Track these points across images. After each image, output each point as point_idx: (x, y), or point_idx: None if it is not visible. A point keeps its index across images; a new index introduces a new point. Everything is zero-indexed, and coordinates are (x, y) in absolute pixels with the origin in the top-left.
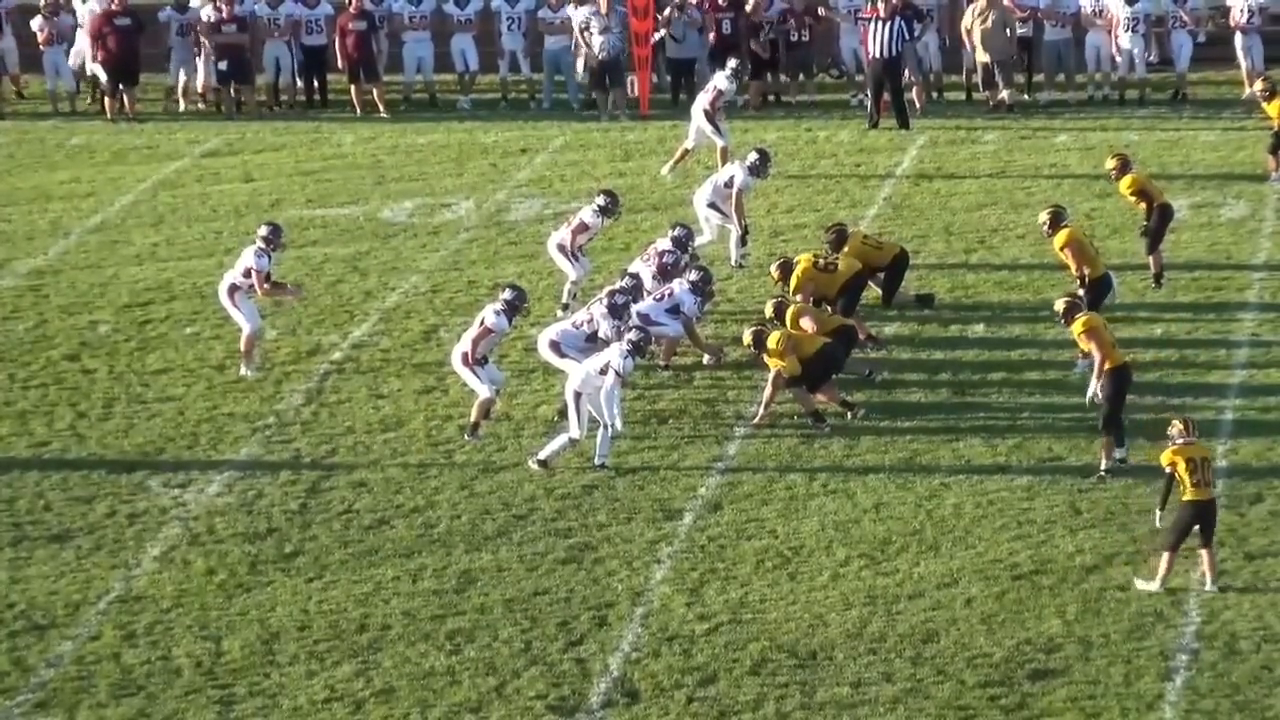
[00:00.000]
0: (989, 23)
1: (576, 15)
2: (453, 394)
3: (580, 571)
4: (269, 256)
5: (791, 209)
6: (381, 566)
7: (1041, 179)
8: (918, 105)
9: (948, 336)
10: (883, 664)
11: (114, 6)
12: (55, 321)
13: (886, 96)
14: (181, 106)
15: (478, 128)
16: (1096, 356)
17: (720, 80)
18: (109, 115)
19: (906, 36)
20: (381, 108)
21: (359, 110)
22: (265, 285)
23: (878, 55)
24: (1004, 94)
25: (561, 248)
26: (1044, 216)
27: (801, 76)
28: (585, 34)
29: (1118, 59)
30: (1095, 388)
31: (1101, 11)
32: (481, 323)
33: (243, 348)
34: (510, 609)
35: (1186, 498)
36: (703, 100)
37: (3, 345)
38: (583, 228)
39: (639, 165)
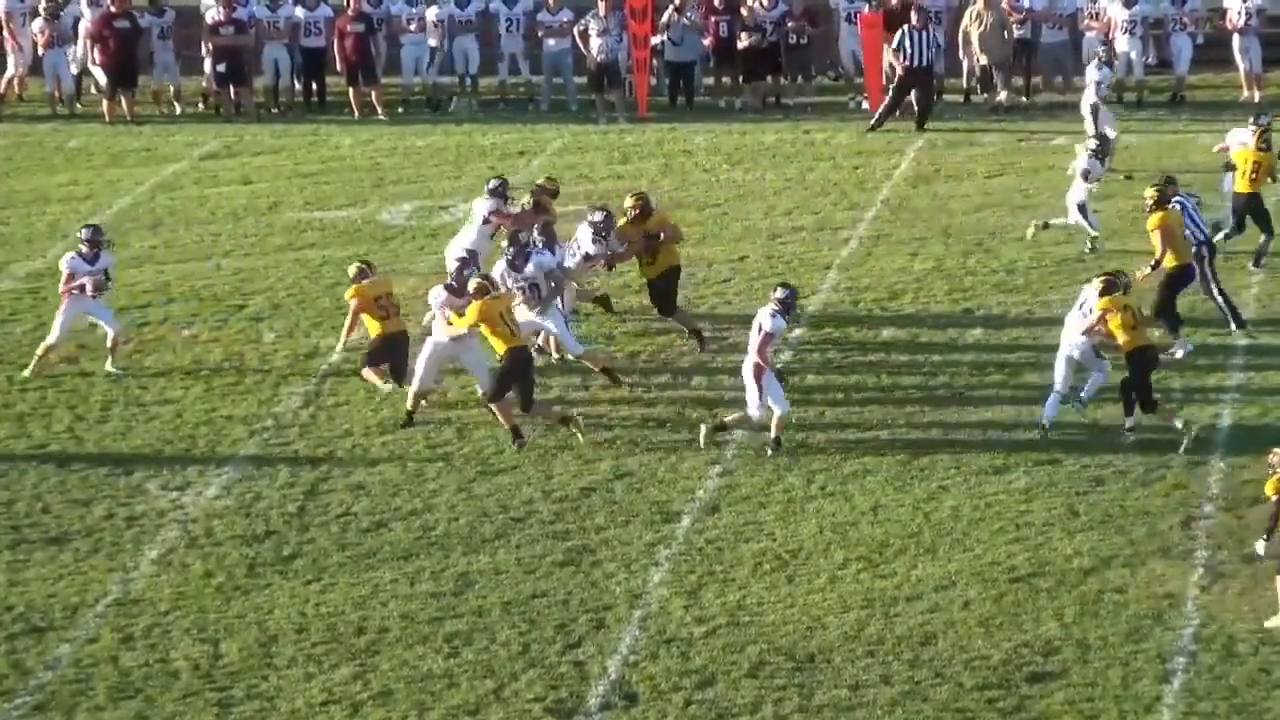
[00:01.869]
0: (987, 25)
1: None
2: (451, 396)
3: (578, 574)
4: (81, 259)
5: (790, 211)
6: (379, 569)
7: (1040, 181)
8: (915, 108)
9: (945, 339)
10: (880, 666)
11: (113, 9)
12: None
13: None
14: (178, 109)
15: (476, 130)
16: (1115, 337)
17: (1092, 71)
18: (108, 118)
19: (940, 44)
20: (380, 110)
21: (357, 113)
22: (67, 287)
23: (914, 64)
24: (1002, 96)
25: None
26: (1150, 192)
27: (800, 79)
28: (584, 36)
29: (1115, 61)
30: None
31: (1099, 14)
32: (759, 329)
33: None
34: (508, 611)
35: None
36: (1088, 95)
37: (1, 347)
38: (586, 258)
39: (636, 168)
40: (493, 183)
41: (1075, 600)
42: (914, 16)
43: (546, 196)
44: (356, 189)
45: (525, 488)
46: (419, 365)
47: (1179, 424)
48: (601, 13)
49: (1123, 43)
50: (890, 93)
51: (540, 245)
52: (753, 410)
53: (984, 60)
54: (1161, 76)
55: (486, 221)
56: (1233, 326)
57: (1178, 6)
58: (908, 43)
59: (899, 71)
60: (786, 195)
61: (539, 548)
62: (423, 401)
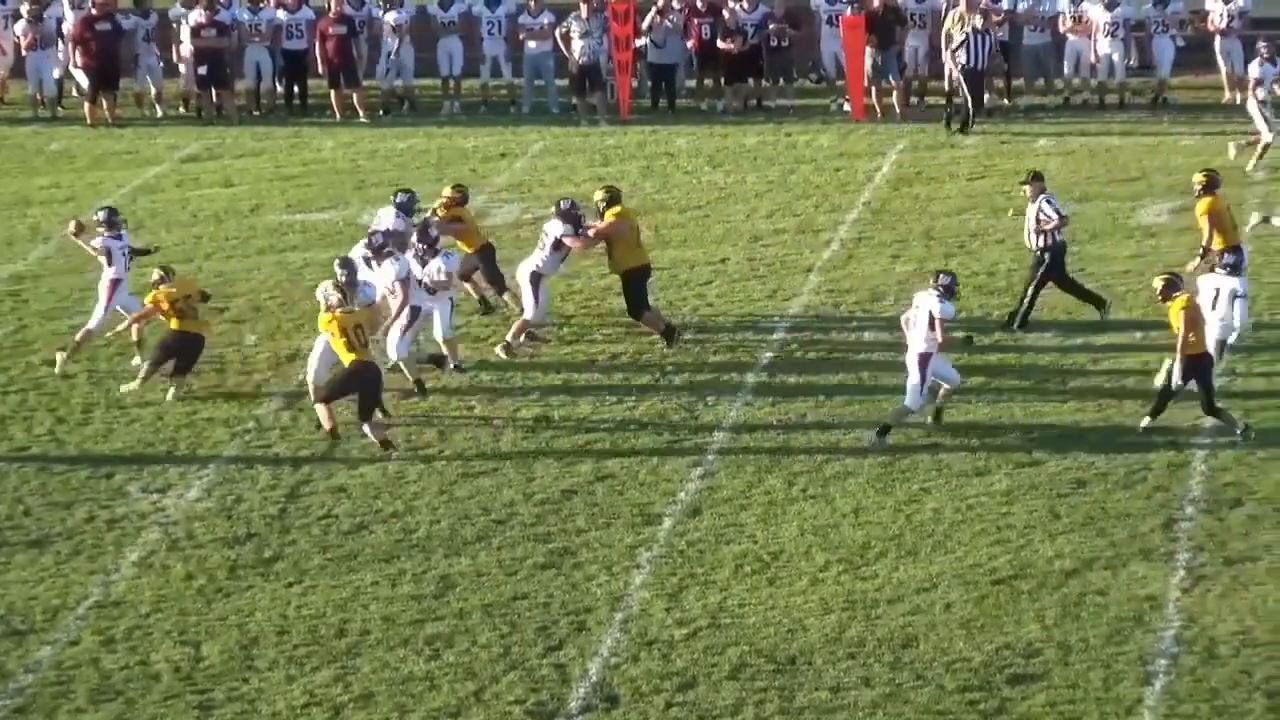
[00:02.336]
0: (969, 27)
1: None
2: (432, 400)
3: (559, 576)
4: (112, 239)
5: (771, 213)
6: (360, 571)
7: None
8: (898, 110)
9: None
10: (861, 669)
11: (93, 11)
12: (35, 327)
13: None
14: (159, 112)
15: (457, 132)
16: (1181, 337)
17: (1254, 68)
18: (89, 121)
19: (995, 49)
20: (361, 113)
21: (339, 115)
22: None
23: (976, 66)
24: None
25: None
26: (1199, 177)
27: (782, 81)
28: (565, 39)
29: (1097, 64)
30: (1173, 372)
31: (1081, 17)
32: (929, 316)
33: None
34: (489, 614)
35: None
36: (1253, 94)
37: None
38: (557, 245)
39: (618, 170)
40: (564, 204)
41: (1057, 602)
42: (978, 19)
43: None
44: (338, 191)
45: (506, 490)
46: (311, 362)
47: (1239, 421)
48: (583, 15)
49: (1104, 45)
50: (969, 93)
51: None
52: (911, 401)
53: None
54: (1143, 79)
55: (558, 247)
56: (1014, 326)
57: (1159, 9)
58: (971, 44)
59: (956, 72)
60: (768, 197)
61: (520, 550)
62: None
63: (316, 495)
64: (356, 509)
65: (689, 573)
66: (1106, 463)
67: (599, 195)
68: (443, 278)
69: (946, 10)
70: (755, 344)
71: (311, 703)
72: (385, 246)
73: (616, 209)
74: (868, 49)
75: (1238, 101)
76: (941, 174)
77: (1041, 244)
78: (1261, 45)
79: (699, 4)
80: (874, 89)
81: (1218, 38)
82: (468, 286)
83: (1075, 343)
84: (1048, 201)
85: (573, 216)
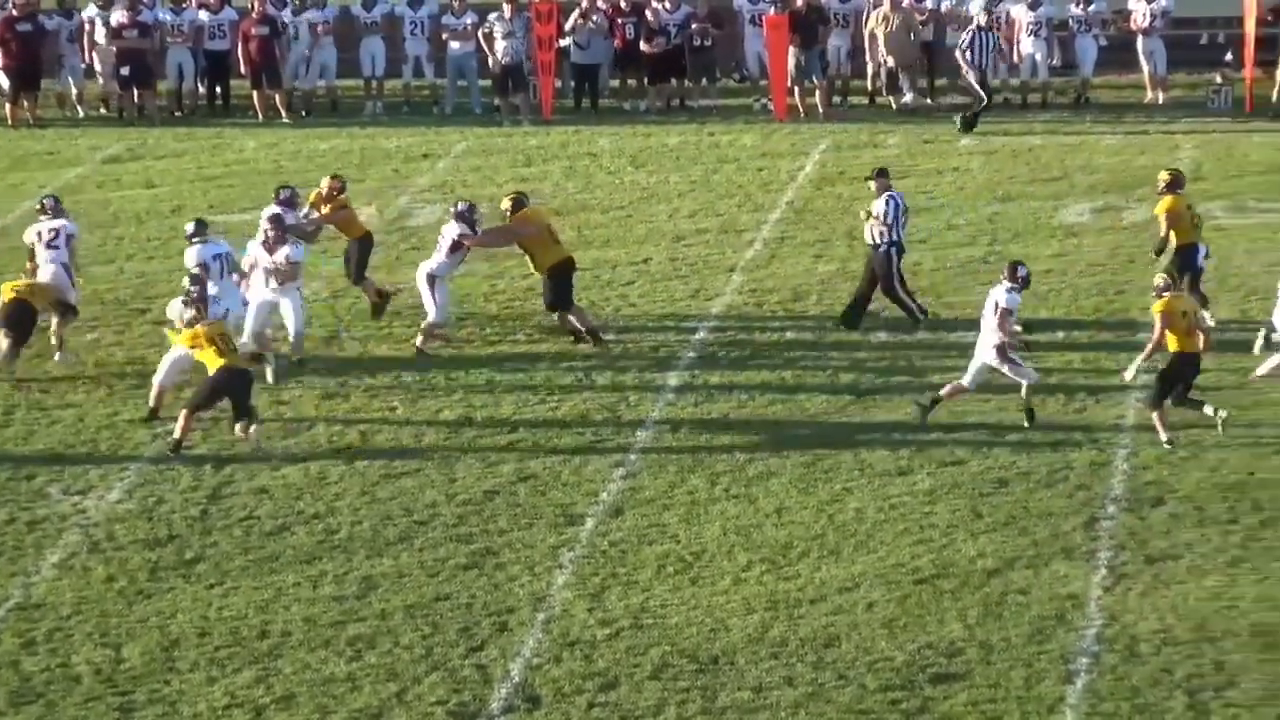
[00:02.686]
0: (893, 27)
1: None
2: (354, 400)
3: (481, 577)
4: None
5: (694, 213)
6: (282, 573)
7: (944, 183)
8: (820, 110)
9: (850, 341)
10: (784, 669)
11: (13, 11)
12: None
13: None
14: (81, 113)
15: (380, 133)
16: (1155, 336)
17: None
18: (10, 121)
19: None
20: (284, 113)
21: (261, 115)
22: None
23: (981, 64)
24: (907, 97)
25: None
26: (1164, 175)
27: (705, 81)
28: (488, 39)
29: (1020, 63)
30: (1136, 366)
31: (1002, 17)
32: (996, 307)
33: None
34: (411, 615)
35: None
36: None
37: None
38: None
39: (541, 170)
40: (461, 206)
41: (979, 601)
42: (983, 16)
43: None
44: (260, 192)
45: (429, 490)
46: (162, 364)
47: (1210, 411)
48: (506, 15)
49: (1027, 45)
50: (980, 92)
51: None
52: (967, 380)
53: (890, 62)
54: (1066, 79)
55: (455, 249)
56: (921, 320)
57: (1082, 8)
58: (977, 43)
59: (970, 71)
60: (691, 197)
61: (442, 551)
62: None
63: (238, 496)
64: (278, 510)
65: (611, 573)
66: (1028, 462)
67: (505, 204)
68: (287, 266)
69: (869, 10)
70: (678, 344)
71: (233, 704)
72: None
73: (522, 213)
74: (791, 49)
75: (1159, 101)
76: (864, 173)
77: (877, 240)
78: None
79: (622, 4)
80: (797, 89)
81: (1140, 37)
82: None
83: None
84: (890, 200)
85: (469, 219)
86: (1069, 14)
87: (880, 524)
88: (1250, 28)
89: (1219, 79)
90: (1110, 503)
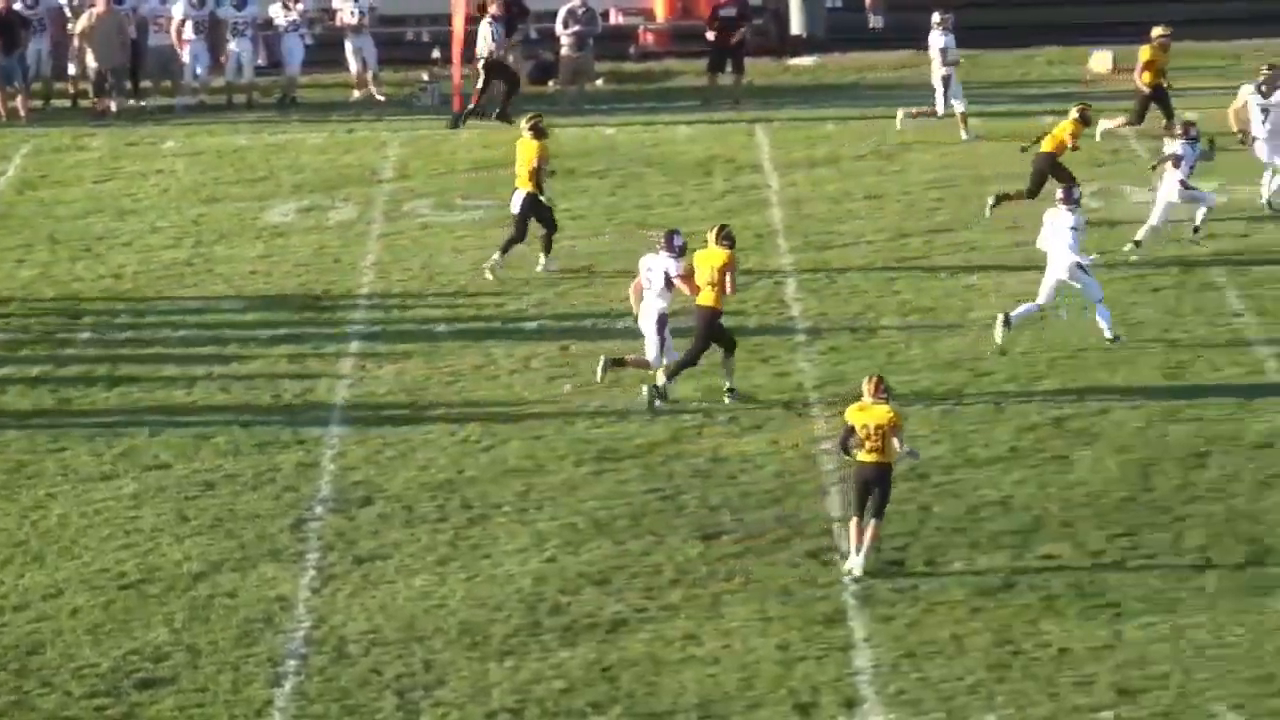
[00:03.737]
0: (102, 29)
1: None
2: None
3: None
4: None
5: None
6: None
7: (148, 186)
8: (22, 114)
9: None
10: None
11: None
12: None
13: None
14: None
15: None
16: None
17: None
18: None
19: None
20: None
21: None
22: None
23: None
24: (112, 101)
25: None
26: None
27: None
28: None
29: (225, 63)
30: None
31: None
32: (664, 275)
33: None
34: None
35: None
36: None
37: None
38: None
39: None
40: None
41: (185, 605)
42: (494, 6)
43: None
44: None
45: None
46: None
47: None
48: None
49: (234, 44)
50: (496, 81)
51: None
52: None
53: (96, 64)
54: (272, 78)
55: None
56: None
57: (289, 7)
58: (490, 31)
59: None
60: None
61: None
62: None
63: None
64: None
65: None
66: (235, 465)
67: None
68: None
69: (69, 10)
70: None
71: None
72: None
73: None
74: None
75: (375, 98)
76: (67, 177)
77: None
78: (936, 16)
79: None
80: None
81: (348, 35)
82: None
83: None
84: None
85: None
86: (275, 15)
87: (85, 529)
88: (459, 25)
89: (426, 76)
90: (318, 504)
